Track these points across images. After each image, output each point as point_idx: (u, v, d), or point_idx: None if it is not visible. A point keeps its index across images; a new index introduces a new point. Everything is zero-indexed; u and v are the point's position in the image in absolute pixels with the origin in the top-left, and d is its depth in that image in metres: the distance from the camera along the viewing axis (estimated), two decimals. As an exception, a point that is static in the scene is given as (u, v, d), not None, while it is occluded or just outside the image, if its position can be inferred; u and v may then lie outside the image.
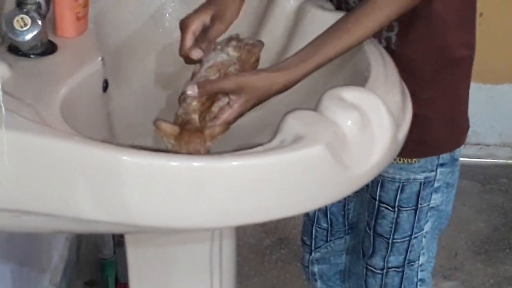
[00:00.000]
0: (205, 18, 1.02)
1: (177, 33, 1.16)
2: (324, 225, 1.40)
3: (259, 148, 0.81)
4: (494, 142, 2.46)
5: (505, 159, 2.47)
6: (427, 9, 1.07)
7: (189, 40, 1.01)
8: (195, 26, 1.01)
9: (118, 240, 1.76)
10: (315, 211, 1.40)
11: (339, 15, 1.10)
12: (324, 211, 1.39)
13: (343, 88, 0.89)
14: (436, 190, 1.24)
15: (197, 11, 1.02)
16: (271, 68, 0.97)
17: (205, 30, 1.01)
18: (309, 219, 1.42)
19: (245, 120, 1.00)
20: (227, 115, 0.95)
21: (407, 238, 1.27)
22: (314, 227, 1.41)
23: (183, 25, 1.02)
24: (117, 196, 0.78)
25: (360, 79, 0.98)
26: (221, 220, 0.82)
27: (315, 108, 0.88)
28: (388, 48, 1.11)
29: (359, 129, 0.86)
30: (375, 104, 0.88)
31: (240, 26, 1.12)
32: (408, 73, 1.08)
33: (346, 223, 1.40)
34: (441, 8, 1.09)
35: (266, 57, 1.10)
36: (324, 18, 1.09)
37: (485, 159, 2.46)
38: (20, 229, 0.96)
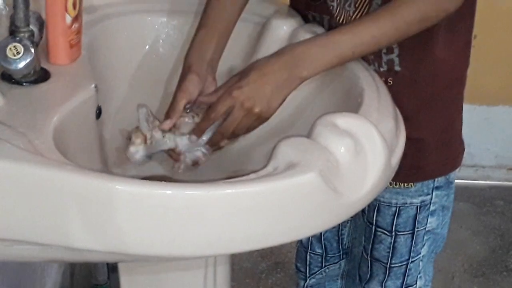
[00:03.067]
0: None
1: (171, 59, 1.17)
2: (319, 251, 1.40)
3: (252, 176, 0.81)
4: (490, 164, 2.46)
5: (501, 180, 2.47)
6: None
7: (178, 110, 1.05)
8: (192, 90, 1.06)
9: (112, 266, 1.75)
10: (309, 238, 1.40)
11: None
12: (318, 237, 1.39)
13: (336, 115, 0.89)
14: (432, 214, 1.24)
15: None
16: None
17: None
18: (303, 245, 1.42)
19: (236, 144, 1.00)
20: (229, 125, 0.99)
21: (405, 263, 1.26)
22: (308, 253, 1.41)
23: (178, 90, 1.06)
24: (110, 225, 0.77)
25: (353, 105, 0.98)
26: (215, 248, 0.82)
27: (308, 134, 0.88)
28: (391, 70, 1.11)
29: (353, 156, 0.86)
30: (369, 130, 0.88)
31: (233, 52, 1.13)
32: (410, 94, 1.08)
33: (341, 248, 1.39)
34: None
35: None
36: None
37: (481, 181, 2.46)
38: (12, 258, 0.96)
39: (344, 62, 1.00)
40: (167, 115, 1.04)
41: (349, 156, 0.85)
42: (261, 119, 0.99)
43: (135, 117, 1.05)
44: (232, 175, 0.85)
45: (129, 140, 1.00)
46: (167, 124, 1.02)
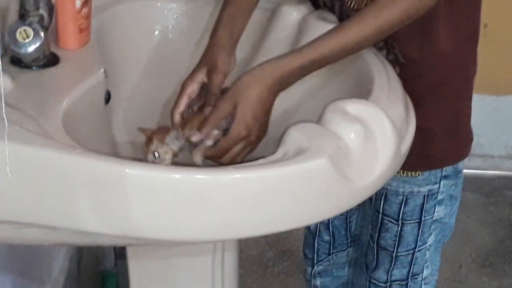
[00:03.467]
0: (200, 77, 1.05)
1: (181, 45, 1.17)
2: (327, 238, 1.40)
3: (262, 161, 0.81)
4: (499, 154, 2.46)
5: (510, 171, 2.45)
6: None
7: (182, 105, 1.04)
8: (191, 89, 1.05)
9: (120, 252, 1.76)
10: (317, 225, 1.40)
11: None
12: (326, 224, 1.38)
13: (346, 101, 0.89)
14: (440, 203, 1.23)
15: (192, 73, 1.06)
16: (265, 62, 0.98)
17: (205, 86, 1.05)
18: (311, 232, 1.42)
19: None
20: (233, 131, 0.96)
21: (411, 251, 1.26)
22: (316, 240, 1.41)
23: (181, 87, 1.05)
24: (120, 209, 0.78)
25: (363, 92, 0.97)
26: (223, 233, 0.82)
27: (318, 120, 0.88)
28: (397, 61, 1.11)
29: (362, 142, 0.86)
30: (378, 116, 0.88)
31: (243, 39, 1.12)
32: (418, 84, 1.07)
33: (349, 236, 1.39)
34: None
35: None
36: (326, 30, 1.09)
37: (490, 171, 2.45)
38: (22, 241, 0.96)
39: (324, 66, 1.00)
40: (207, 96, 1.03)
41: (359, 142, 0.85)
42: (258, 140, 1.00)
43: (144, 103, 1.05)
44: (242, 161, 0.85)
45: (148, 147, 0.98)
46: (197, 136, 1.00)
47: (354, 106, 0.88)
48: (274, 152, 0.84)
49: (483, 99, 2.33)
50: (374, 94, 0.96)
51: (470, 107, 1.22)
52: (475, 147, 1.27)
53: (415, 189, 1.21)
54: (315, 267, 1.43)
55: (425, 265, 1.29)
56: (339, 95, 0.96)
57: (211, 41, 1.07)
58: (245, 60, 1.18)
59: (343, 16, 1.14)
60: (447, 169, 1.21)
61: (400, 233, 1.25)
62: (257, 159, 0.82)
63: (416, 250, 1.26)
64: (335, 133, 0.85)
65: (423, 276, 1.30)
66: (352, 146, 0.85)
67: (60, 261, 1.69)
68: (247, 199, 0.79)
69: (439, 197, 1.23)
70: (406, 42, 1.10)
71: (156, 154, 0.96)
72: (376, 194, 1.23)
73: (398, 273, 1.28)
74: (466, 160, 1.24)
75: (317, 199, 0.83)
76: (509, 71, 2.36)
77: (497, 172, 2.45)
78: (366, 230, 1.33)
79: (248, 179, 0.78)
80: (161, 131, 0.98)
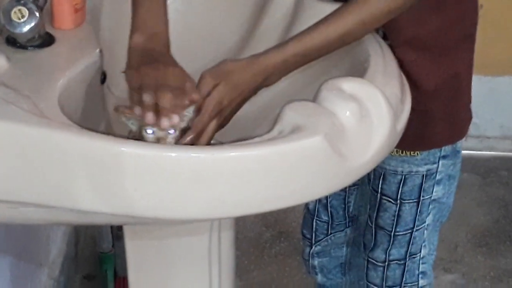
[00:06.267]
0: None
1: (176, 24, 1.16)
2: (325, 218, 1.40)
3: (257, 139, 0.81)
4: (495, 135, 2.46)
5: (506, 151, 2.46)
6: None
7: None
8: None
9: (117, 234, 1.76)
10: (315, 205, 1.40)
11: (337, 6, 1.09)
12: (324, 204, 1.39)
13: (342, 79, 0.89)
14: (438, 183, 1.23)
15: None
16: (250, 56, 0.97)
17: None
18: (309, 212, 1.42)
19: (242, 114, 0.99)
20: (205, 107, 0.92)
21: (409, 231, 1.26)
22: (314, 220, 1.41)
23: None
24: (116, 187, 0.78)
25: (359, 70, 0.98)
26: (220, 211, 0.82)
27: (314, 98, 0.88)
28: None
29: (358, 120, 0.86)
30: (374, 94, 0.88)
31: (239, 18, 1.12)
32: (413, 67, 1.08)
33: (347, 215, 1.40)
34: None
35: (264, 48, 1.09)
36: (323, 9, 1.09)
37: (486, 151, 2.45)
38: (18, 221, 0.96)
39: (308, 62, 0.99)
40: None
41: (354, 120, 0.85)
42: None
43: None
44: (237, 139, 0.85)
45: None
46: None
47: (349, 85, 0.88)
48: (269, 130, 0.84)
49: (479, 80, 2.31)
50: (370, 72, 0.96)
51: (469, 87, 1.22)
52: (470, 128, 1.27)
53: (414, 169, 1.21)
54: (313, 247, 1.43)
55: (423, 244, 1.29)
56: (334, 73, 0.96)
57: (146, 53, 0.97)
58: (242, 40, 1.18)
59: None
60: (446, 149, 1.21)
61: (398, 212, 1.25)
62: (253, 137, 0.82)
63: (414, 229, 1.26)
64: (331, 111, 0.85)
65: (421, 256, 1.30)
66: (347, 124, 0.85)
67: (58, 243, 1.70)
68: (243, 177, 0.79)
69: (438, 177, 1.23)
70: (396, 27, 1.09)
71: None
72: (374, 173, 1.24)
73: (396, 252, 1.28)
74: (464, 139, 1.24)
75: (313, 176, 0.83)
76: (505, 52, 2.36)
77: (493, 153, 2.46)
78: (364, 210, 1.33)
79: (244, 157, 0.79)
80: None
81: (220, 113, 0.94)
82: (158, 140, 0.88)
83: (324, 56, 1.00)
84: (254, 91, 0.98)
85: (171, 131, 0.88)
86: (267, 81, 0.97)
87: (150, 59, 0.94)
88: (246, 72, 0.95)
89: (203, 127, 0.92)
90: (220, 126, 0.96)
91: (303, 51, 0.97)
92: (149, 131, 0.88)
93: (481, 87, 2.33)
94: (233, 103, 0.96)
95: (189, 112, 0.90)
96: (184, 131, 0.90)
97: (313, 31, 0.98)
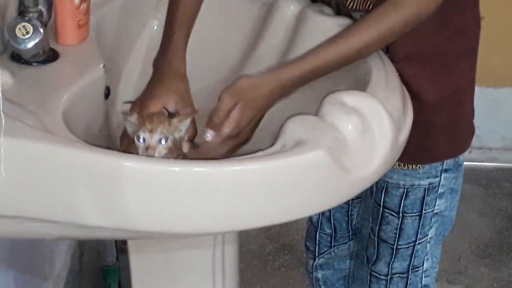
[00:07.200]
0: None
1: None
2: (328, 231, 1.40)
3: (260, 153, 0.82)
4: (497, 146, 2.46)
5: (508, 162, 2.46)
6: None
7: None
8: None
9: (121, 247, 1.76)
10: (318, 217, 1.40)
11: (339, 20, 1.10)
12: (327, 217, 1.39)
13: (344, 93, 0.90)
14: (441, 196, 1.23)
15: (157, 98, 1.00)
16: (266, 69, 0.98)
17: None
18: (313, 225, 1.42)
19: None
20: (225, 128, 0.96)
21: (412, 244, 1.26)
22: (318, 233, 1.41)
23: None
24: (119, 202, 0.78)
25: (361, 84, 0.98)
26: (223, 225, 0.82)
27: (316, 112, 0.88)
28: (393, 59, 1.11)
29: (360, 133, 0.86)
30: (376, 108, 0.88)
31: (242, 32, 1.13)
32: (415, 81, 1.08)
33: (350, 228, 1.40)
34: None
35: (267, 62, 1.10)
36: (324, 23, 1.10)
37: (488, 162, 2.45)
38: (23, 236, 0.97)
39: (324, 75, 1.00)
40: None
41: (356, 134, 0.86)
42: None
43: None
44: (241, 153, 0.85)
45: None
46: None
47: (351, 98, 0.89)
48: (272, 144, 0.85)
49: (481, 91, 2.30)
50: (372, 86, 0.97)
51: (471, 100, 1.22)
52: (473, 139, 1.27)
53: (416, 182, 1.21)
54: (316, 260, 1.43)
55: (426, 258, 1.29)
56: (337, 87, 0.96)
57: (171, 63, 1.03)
58: (243, 54, 1.19)
59: (340, 11, 1.15)
60: (448, 162, 1.21)
61: (400, 226, 1.25)
62: (255, 151, 0.83)
63: (417, 243, 1.26)
64: (333, 125, 0.85)
65: (424, 269, 1.30)
66: (349, 137, 0.85)
67: (62, 256, 1.70)
68: (246, 191, 0.79)
69: (440, 190, 1.23)
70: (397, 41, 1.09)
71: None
72: (376, 186, 1.24)
73: (398, 265, 1.28)
74: (466, 153, 1.24)
75: (316, 190, 0.83)
76: (506, 64, 2.36)
77: (495, 164, 2.46)
78: (367, 223, 1.33)
79: (247, 171, 0.79)
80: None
81: (238, 134, 0.96)
82: (147, 149, 0.89)
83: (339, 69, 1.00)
84: (271, 105, 0.99)
85: (163, 141, 0.89)
86: (283, 94, 0.98)
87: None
88: (263, 88, 0.96)
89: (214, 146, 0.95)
90: (241, 144, 0.98)
91: (320, 65, 0.98)
92: (141, 139, 0.89)
93: (483, 98, 2.33)
94: (252, 121, 0.97)
95: (185, 124, 0.91)
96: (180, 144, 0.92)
97: (330, 45, 0.98)
